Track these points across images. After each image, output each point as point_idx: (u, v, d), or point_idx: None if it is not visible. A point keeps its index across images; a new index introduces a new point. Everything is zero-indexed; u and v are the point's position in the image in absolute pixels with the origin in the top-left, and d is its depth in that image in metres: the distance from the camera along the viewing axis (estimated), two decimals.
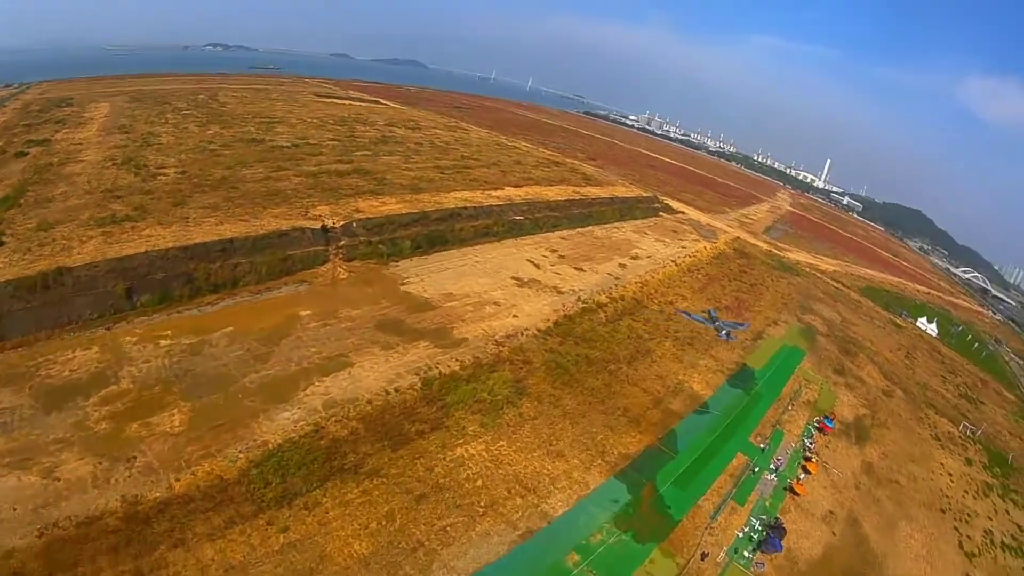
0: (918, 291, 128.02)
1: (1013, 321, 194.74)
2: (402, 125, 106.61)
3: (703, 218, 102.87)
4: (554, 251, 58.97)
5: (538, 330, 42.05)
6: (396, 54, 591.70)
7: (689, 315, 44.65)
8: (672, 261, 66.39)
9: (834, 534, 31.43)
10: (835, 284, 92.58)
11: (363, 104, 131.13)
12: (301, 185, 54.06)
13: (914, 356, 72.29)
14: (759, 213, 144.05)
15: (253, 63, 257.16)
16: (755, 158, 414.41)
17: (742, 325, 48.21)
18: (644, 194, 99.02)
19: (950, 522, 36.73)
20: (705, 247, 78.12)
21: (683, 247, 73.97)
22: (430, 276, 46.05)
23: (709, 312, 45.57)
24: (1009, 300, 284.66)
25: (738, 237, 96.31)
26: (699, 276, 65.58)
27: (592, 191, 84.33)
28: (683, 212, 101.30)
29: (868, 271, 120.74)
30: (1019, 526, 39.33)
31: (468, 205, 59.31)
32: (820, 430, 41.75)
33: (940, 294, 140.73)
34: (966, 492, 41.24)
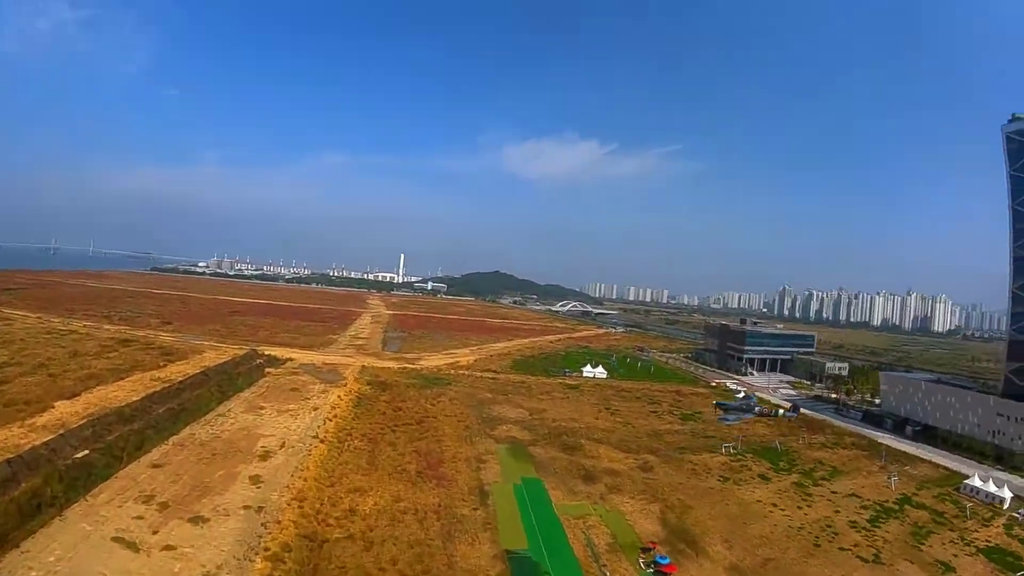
0: (551, 343, 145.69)
1: (632, 326, 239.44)
2: None
3: (317, 358, 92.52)
4: (150, 498, 36.50)
5: None
6: None
7: None
8: (315, 437, 51.46)
9: None
10: (488, 375, 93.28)
11: None
12: None
13: (614, 408, 76.49)
14: (365, 329, 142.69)
15: None
16: (332, 274, 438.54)
17: None
18: (240, 352, 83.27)
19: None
20: (340, 396, 67.16)
21: (316, 409, 61.35)
22: None
23: None
24: (610, 312, 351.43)
25: (364, 366, 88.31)
26: (357, 443, 51.25)
27: (177, 369, 66.67)
28: (292, 358, 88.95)
29: (499, 345, 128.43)
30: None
31: None
32: (658, 571, 33.29)
33: (567, 336, 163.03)
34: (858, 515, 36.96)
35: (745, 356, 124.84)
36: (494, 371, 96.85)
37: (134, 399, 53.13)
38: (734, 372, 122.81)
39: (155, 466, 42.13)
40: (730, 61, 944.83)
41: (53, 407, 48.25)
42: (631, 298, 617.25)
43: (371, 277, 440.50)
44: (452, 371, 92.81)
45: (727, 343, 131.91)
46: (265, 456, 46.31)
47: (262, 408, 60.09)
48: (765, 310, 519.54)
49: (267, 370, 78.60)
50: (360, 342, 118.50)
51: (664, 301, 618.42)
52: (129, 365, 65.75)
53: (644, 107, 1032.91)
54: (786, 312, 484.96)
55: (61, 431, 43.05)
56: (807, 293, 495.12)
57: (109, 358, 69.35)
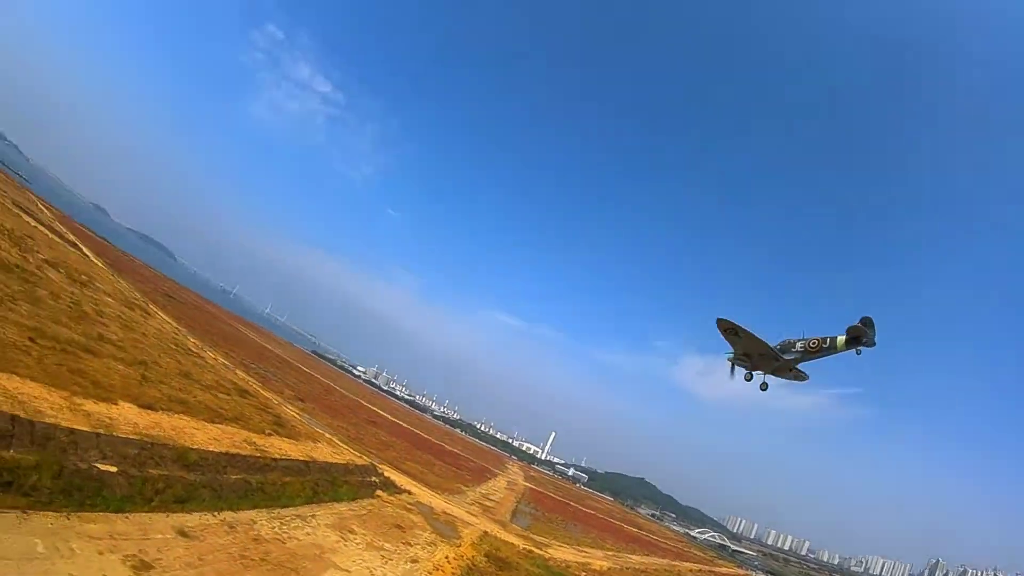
0: (691, 570, 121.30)
1: (771, 573, 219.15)
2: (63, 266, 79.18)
3: (437, 501, 76.21)
4: (143, 567, 21.64)
5: None
6: (153, 232, 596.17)
7: None
8: None
9: None
10: None
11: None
12: None
13: None
14: (499, 491, 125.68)
15: None
16: (479, 427, 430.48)
17: None
18: (358, 461, 69.20)
19: None
20: (448, 558, 51.39)
21: (415, 561, 45.33)
22: None
23: None
24: (748, 552, 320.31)
25: (486, 532, 71.93)
26: None
27: (280, 445, 53.70)
28: (411, 491, 73.15)
29: (635, 558, 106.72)
30: None
31: None
32: None
33: (708, 568, 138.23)
34: None
35: None
36: None
37: (211, 449, 39.27)
38: None
39: (182, 534, 27.27)
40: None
41: (117, 404, 35.99)
42: (769, 542, 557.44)
43: (516, 444, 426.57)
44: (583, 573, 71.63)
45: None
46: None
47: (352, 532, 43.87)
48: None
49: (378, 492, 61.85)
50: (490, 504, 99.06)
51: (803, 552, 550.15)
52: (232, 414, 53.17)
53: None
54: None
55: (102, 430, 29.36)
56: (961, 570, 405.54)
57: (216, 396, 57.88)
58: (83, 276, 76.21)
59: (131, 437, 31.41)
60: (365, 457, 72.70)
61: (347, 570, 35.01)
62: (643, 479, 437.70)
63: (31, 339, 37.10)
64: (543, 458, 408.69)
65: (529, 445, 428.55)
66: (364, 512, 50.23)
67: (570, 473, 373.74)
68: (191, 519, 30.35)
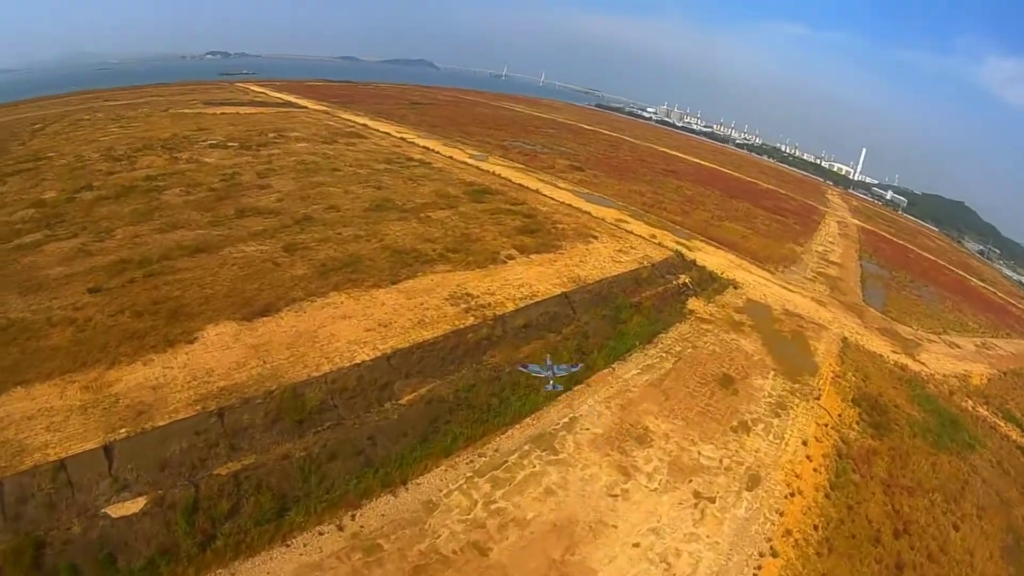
0: None
1: None
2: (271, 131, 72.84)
3: (772, 290, 51.07)
4: None
5: None
6: (407, 54, 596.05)
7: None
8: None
9: None
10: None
11: (257, 112, 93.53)
12: None
13: None
14: (835, 243, 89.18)
15: (226, 69, 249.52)
16: (784, 149, 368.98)
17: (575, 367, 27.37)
18: (655, 255, 48.10)
19: None
20: (806, 434, 29.07)
21: (753, 476, 25.45)
22: None
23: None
24: None
25: (844, 339, 43.50)
26: None
27: (521, 273, 37.31)
28: (735, 280, 49.72)
29: (1008, 347, 59.68)
30: None
31: None
32: None
33: None
34: None
35: None
36: None
37: (427, 336, 28.38)
38: None
39: None
40: None
41: (279, 314, 28.96)
42: None
43: (825, 165, 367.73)
44: (968, 401, 40.98)
45: None
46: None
47: (643, 444, 26.10)
48: None
49: (690, 305, 42.41)
50: (832, 271, 69.73)
51: None
52: (452, 241, 40.83)
53: None
54: None
55: (237, 395, 22.36)
56: None
57: (430, 218, 45.78)
58: (287, 130, 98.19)
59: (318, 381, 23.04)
60: (666, 239, 55.05)
61: (637, 527, 21.65)
62: (962, 203, 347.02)
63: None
64: (856, 179, 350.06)
65: (839, 165, 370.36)
66: (667, 366, 33.31)
67: (888, 196, 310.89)
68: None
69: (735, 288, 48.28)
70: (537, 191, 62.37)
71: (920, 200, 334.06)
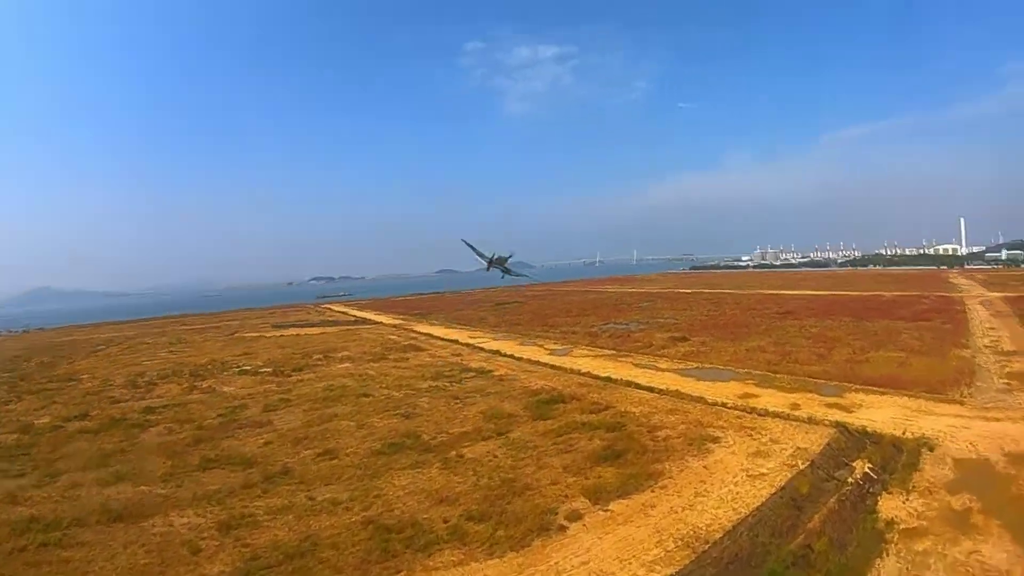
0: None
1: None
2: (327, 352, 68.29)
3: (976, 433, 28.75)
4: None
5: None
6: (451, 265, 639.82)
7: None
8: None
9: None
10: None
11: (320, 332, 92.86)
12: None
13: None
14: (993, 327, 71.31)
15: (324, 292, 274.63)
16: (884, 252, 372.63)
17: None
18: (808, 446, 28.49)
19: None
20: None
21: None
22: None
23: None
24: None
25: None
26: None
27: (623, 536, 20.66)
28: (924, 435, 29.22)
29: None
30: None
31: None
32: None
33: None
34: None
35: None
36: None
37: None
38: None
39: None
40: None
41: None
42: None
43: (930, 251, 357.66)
44: None
45: None
46: None
47: None
48: None
49: (882, 505, 23.28)
50: (1018, 365, 48.13)
51: None
52: (482, 497, 24.07)
53: None
54: None
55: None
56: None
57: (461, 457, 30.16)
58: (345, 349, 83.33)
59: None
60: (813, 406, 38.02)
61: None
62: None
63: None
64: (965, 252, 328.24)
65: (945, 246, 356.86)
66: None
67: (1003, 256, 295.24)
68: None
69: (930, 450, 28.43)
70: (630, 382, 46.96)
71: None
